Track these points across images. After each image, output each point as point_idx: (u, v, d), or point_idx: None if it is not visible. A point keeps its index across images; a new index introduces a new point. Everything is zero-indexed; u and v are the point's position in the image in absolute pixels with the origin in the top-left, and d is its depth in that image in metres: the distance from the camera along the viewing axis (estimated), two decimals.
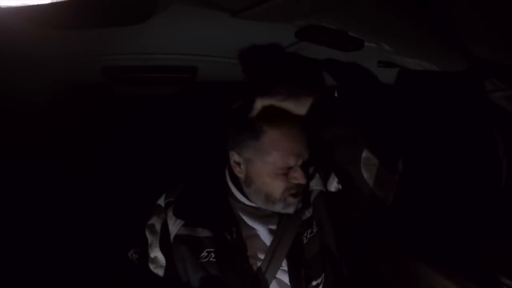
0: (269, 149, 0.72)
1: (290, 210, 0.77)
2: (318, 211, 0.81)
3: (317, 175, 0.85)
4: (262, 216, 0.79)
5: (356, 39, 0.64)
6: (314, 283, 0.77)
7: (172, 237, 0.79)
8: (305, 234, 0.79)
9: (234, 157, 0.77)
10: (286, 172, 0.74)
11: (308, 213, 0.81)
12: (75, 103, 0.99)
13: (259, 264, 0.76)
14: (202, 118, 1.20)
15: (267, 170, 0.73)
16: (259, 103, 0.71)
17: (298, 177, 0.73)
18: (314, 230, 0.80)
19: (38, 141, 0.98)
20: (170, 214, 0.81)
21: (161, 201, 0.85)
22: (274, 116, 0.72)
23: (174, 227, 0.79)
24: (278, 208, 0.77)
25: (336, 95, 1.04)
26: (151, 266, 0.83)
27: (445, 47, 0.63)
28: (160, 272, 0.82)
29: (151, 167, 1.21)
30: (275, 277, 0.76)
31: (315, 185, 0.83)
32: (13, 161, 0.95)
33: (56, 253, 1.03)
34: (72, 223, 1.09)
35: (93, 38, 0.71)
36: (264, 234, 0.79)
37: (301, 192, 0.77)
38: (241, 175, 0.78)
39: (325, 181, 0.84)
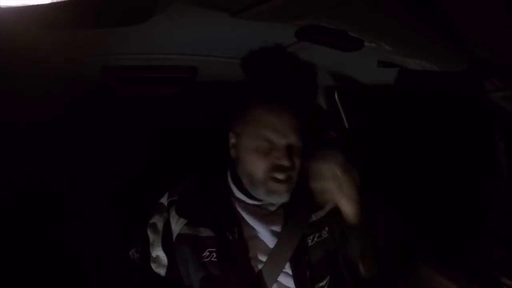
0: (252, 121, 0.75)
1: (275, 199, 0.76)
2: (332, 218, 0.81)
3: None
4: (264, 215, 0.79)
5: (356, 39, 0.64)
6: (319, 284, 0.77)
7: (174, 236, 0.79)
8: (311, 236, 0.78)
9: (232, 138, 0.80)
10: (268, 151, 0.74)
11: (315, 217, 0.80)
12: (75, 103, 0.99)
13: (260, 266, 0.76)
14: (203, 117, 1.21)
15: (250, 144, 0.75)
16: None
17: (280, 156, 0.73)
18: (323, 235, 0.79)
19: (38, 141, 0.98)
20: (173, 213, 0.81)
21: (164, 200, 0.85)
22: (263, 92, 0.76)
23: (177, 226, 0.79)
24: (261, 193, 0.76)
25: (336, 97, 1.05)
26: (153, 266, 0.82)
27: (445, 47, 0.63)
28: (162, 271, 0.82)
29: (151, 167, 1.21)
30: (276, 281, 0.76)
31: None
32: (12, 161, 0.95)
33: (56, 253, 1.03)
34: (72, 223, 1.09)
35: (93, 38, 0.71)
36: (266, 235, 0.78)
37: (287, 182, 0.75)
38: (234, 156, 0.81)
39: None
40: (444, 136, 1.00)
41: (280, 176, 0.74)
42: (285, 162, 0.73)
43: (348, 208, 0.71)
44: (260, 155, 0.74)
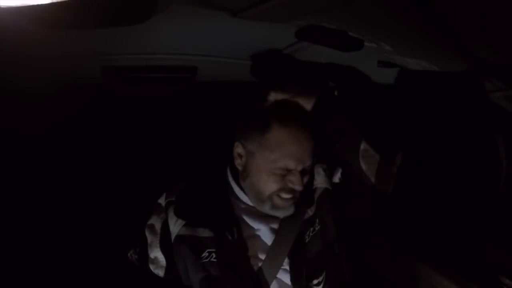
0: (272, 146, 0.73)
1: (279, 214, 0.77)
2: (321, 209, 0.81)
3: (322, 172, 0.84)
4: (263, 215, 0.79)
5: (356, 39, 0.64)
6: (315, 281, 0.77)
7: (173, 237, 0.79)
8: (307, 232, 0.79)
9: (238, 148, 0.78)
10: (283, 174, 0.74)
11: (310, 212, 0.81)
12: (75, 103, 0.99)
13: (260, 264, 0.76)
14: (203, 117, 1.21)
15: (266, 167, 0.74)
16: (272, 96, 0.74)
17: (295, 181, 0.73)
18: (317, 228, 0.79)
19: (38, 141, 0.98)
20: (171, 214, 0.81)
21: (162, 201, 0.84)
22: (284, 115, 0.74)
23: (175, 227, 0.79)
24: (266, 208, 0.77)
25: (336, 93, 1.05)
26: (151, 267, 0.82)
27: (445, 47, 0.63)
28: (161, 272, 0.82)
29: (151, 167, 1.21)
30: (275, 277, 0.76)
31: (320, 183, 0.83)
32: (12, 161, 0.95)
33: (56, 253, 1.03)
34: (72, 223, 1.09)
35: (93, 38, 0.71)
36: (265, 233, 0.78)
37: (293, 199, 0.76)
38: (240, 167, 0.79)
39: (330, 177, 0.84)
40: (444, 135, 1.00)
41: (288, 196, 0.75)
42: (297, 187, 0.74)
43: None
44: (274, 178, 0.74)
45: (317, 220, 0.80)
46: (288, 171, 0.74)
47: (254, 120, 0.75)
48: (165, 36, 0.75)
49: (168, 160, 1.22)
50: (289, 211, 0.77)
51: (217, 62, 0.92)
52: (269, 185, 0.74)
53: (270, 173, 0.74)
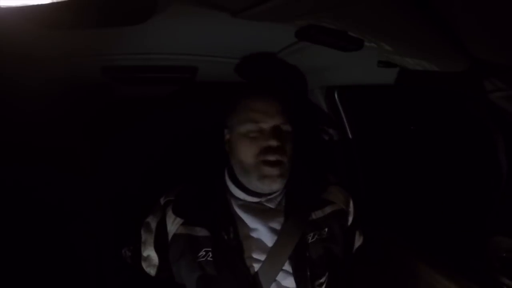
0: (241, 111, 0.79)
1: (267, 185, 0.76)
2: (333, 223, 0.82)
3: (345, 195, 0.87)
4: (263, 212, 0.79)
5: (356, 39, 0.64)
6: (317, 282, 0.77)
7: (170, 236, 0.79)
8: (311, 234, 0.79)
9: (226, 135, 0.83)
10: (257, 135, 0.76)
11: (314, 216, 0.81)
12: (75, 103, 0.99)
13: (258, 265, 0.76)
14: (202, 118, 1.21)
15: (241, 133, 0.78)
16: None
17: (268, 137, 0.75)
18: (324, 235, 0.80)
19: (37, 141, 0.98)
20: (169, 212, 0.81)
21: (161, 200, 0.85)
22: (251, 88, 0.85)
23: (173, 226, 0.79)
24: (254, 179, 0.76)
25: (336, 96, 1.05)
26: (144, 265, 0.83)
27: (445, 47, 0.63)
28: (152, 271, 0.82)
29: (151, 167, 1.21)
30: (275, 280, 0.75)
31: (337, 200, 0.85)
32: (12, 161, 0.95)
33: (56, 252, 1.03)
34: (72, 223, 1.09)
35: (93, 38, 0.71)
36: (264, 233, 0.78)
37: (278, 164, 0.76)
38: (227, 149, 0.84)
39: (353, 211, 0.87)
40: (444, 136, 1.00)
41: (270, 157, 0.75)
42: (272, 143, 0.75)
43: None
44: (249, 140, 0.76)
45: (326, 229, 0.81)
46: (259, 128, 0.76)
47: (231, 102, 0.83)
48: (165, 36, 0.75)
49: (168, 160, 1.22)
50: (277, 184, 0.76)
51: (217, 62, 0.92)
52: (248, 149, 0.76)
53: (244, 135, 0.77)
